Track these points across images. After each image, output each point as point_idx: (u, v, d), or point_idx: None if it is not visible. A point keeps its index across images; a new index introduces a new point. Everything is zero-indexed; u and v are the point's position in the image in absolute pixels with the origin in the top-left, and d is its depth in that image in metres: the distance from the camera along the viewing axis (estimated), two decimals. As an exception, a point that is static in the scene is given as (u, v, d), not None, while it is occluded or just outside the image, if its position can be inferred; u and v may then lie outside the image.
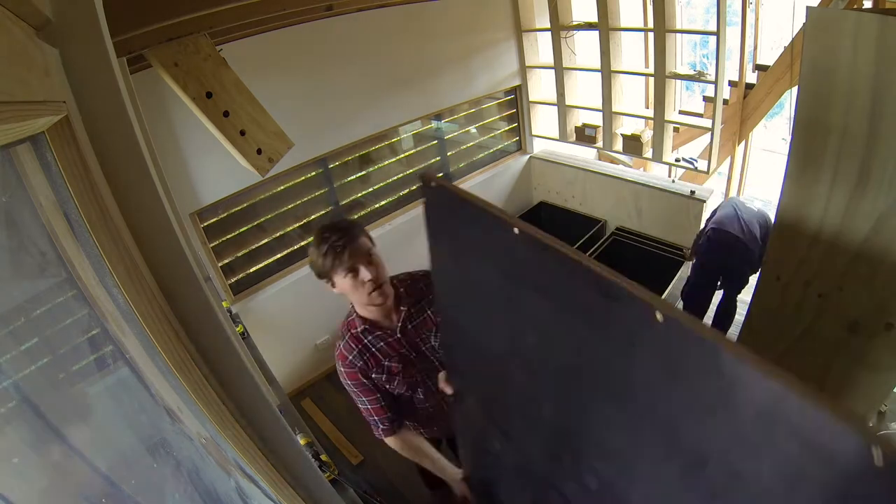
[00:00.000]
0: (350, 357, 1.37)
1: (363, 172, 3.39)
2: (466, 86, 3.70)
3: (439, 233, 0.78)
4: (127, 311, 0.70)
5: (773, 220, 2.21)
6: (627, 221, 3.93)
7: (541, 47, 3.95)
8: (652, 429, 0.49)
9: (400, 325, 1.38)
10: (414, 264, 4.07)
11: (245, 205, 2.88)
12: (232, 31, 2.07)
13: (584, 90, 4.01)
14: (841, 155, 1.08)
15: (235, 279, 2.99)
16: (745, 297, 3.59)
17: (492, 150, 4.24)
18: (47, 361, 0.81)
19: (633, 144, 3.69)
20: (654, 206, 3.70)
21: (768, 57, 3.88)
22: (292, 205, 3.08)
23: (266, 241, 3.03)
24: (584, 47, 3.85)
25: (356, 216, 3.43)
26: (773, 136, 6.38)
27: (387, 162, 3.51)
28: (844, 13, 0.97)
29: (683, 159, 3.69)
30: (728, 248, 2.57)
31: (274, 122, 1.76)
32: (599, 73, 3.56)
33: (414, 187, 3.74)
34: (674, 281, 3.32)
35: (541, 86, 4.17)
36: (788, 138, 1.60)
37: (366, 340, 1.38)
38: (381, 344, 1.38)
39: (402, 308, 1.40)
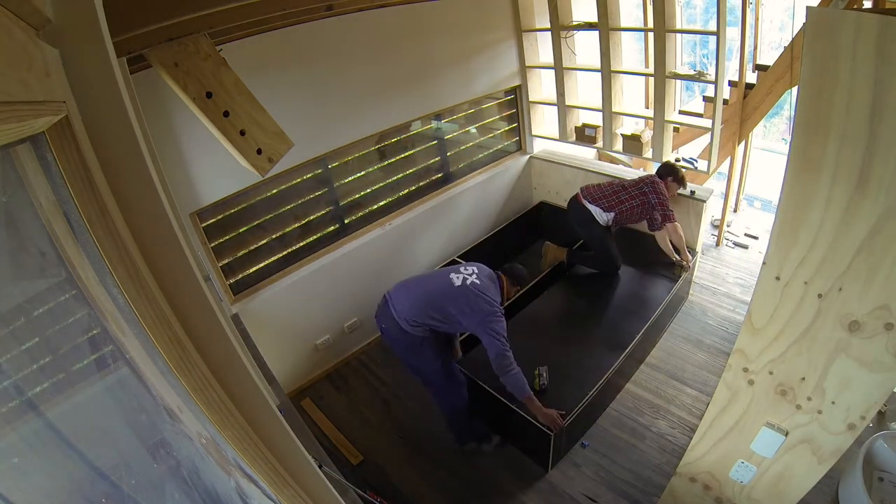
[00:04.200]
0: None
1: (363, 172, 3.39)
2: (466, 86, 3.70)
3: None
4: (127, 311, 0.70)
5: None
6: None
7: (541, 47, 3.95)
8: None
9: None
10: (414, 263, 4.07)
11: (245, 205, 2.88)
12: (232, 31, 2.07)
13: (584, 90, 4.01)
14: (841, 155, 1.08)
15: (235, 279, 2.99)
16: (744, 297, 3.60)
17: (492, 150, 4.24)
18: (47, 361, 0.81)
19: (633, 144, 3.69)
20: (654, 206, 3.69)
21: (768, 57, 3.88)
22: (292, 205, 3.08)
23: (266, 241, 3.03)
24: (584, 47, 3.85)
25: (356, 216, 3.43)
26: (773, 136, 6.38)
27: (386, 162, 3.51)
28: (844, 13, 0.97)
29: (683, 159, 3.68)
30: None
31: (274, 122, 1.76)
32: (599, 73, 3.56)
33: (413, 187, 3.74)
34: (678, 283, 3.32)
35: (541, 86, 4.17)
36: (788, 138, 1.60)
37: None
38: None
39: None
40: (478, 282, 2.41)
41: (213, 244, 2.81)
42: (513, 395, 2.38)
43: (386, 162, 3.51)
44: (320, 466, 1.11)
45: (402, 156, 3.61)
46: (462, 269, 2.48)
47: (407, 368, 2.56)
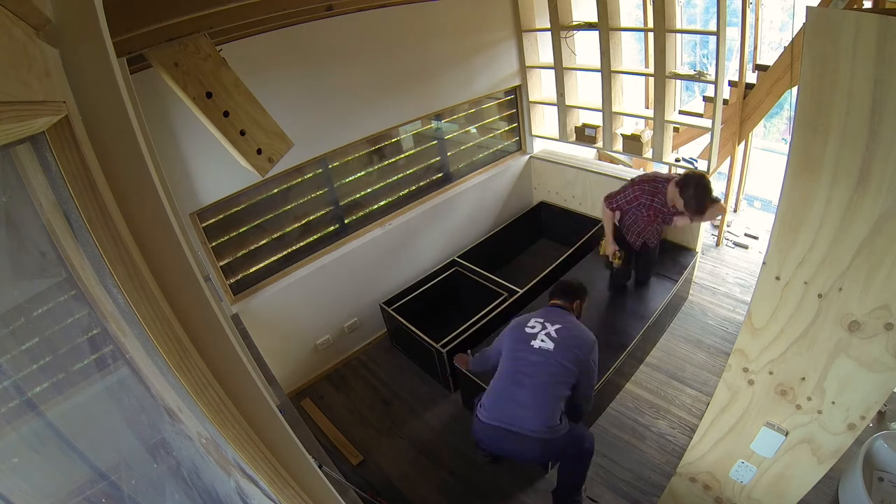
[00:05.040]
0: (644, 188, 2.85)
1: (363, 172, 3.39)
2: (466, 86, 3.70)
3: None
4: (127, 311, 0.70)
5: None
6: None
7: (541, 47, 3.95)
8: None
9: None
10: (414, 263, 4.07)
11: (245, 205, 2.88)
12: (232, 31, 2.07)
13: (584, 90, 4.01)
14: (841, 155, 1.08)
15: (235, 279, 2.99)
16: (744, 297, 3.60)
17: (492, 150, 4.25)
18: (47, 361, 0.81)
19: (633, 144, 3.69)
20: (654, 206, 3.69)
21: (768, 57, 3.88)
22: (292, 205, 3.08)
23: (266, 241, 3.03)
24: (584, 47, 3.85)
25: (356, 216, 3.44)
26: (773, 136, 6.38)
27: (386, 162, 3.51)
28: (844, 13, 0.97)
29: (683, 159, 3.68)
30: None
31: (274, 122, 1.76)
32: (599, 73, 3.56)
33: (413, 187, 3.74)
34: (681, 279, 3.32)
35: (541, 86, 4.17)
36: (788, 138, 1.60)
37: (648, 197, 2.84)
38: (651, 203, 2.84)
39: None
40: (559, 325, 2.11)
41: (213, 244, 2.81)
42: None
43: (386, 162, 3.51)
44: (320, 466, 1.11)
45: (402, 156, 3.61)
46: (530, 329, 2.13)
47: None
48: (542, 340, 2.08)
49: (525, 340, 2.11)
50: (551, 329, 2.11)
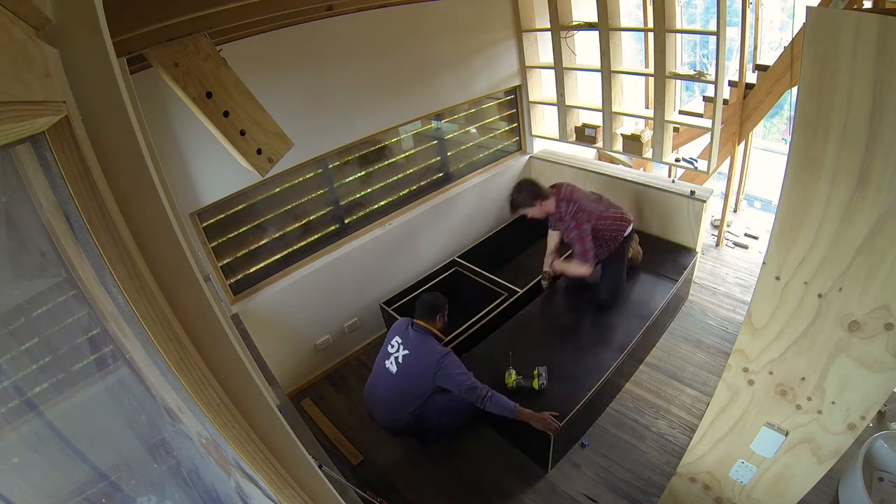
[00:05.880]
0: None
1: (363, 172, 3.39)
2: (466, 86, 3.70)
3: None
4: (127, 311, 0.71)
5: None
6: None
7: (541, 47, 3.95)
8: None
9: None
10: (414, 263, 4.06)
11: (245, 205, 2.88)
12: (232, 31, 2.07)
13: (584, 90, 4.01)
14: (841, 155, 1.08)
15: (235, 279, 2.99)
16: (744, 297, 3.60)
17: (492, 150, 4.24)
18: (47, 361, 0.81)
19: (633, 144, 3.69)
20: (654, 206, 3.70)
21: (768, 57, 3.88)
22: (292, 205, 3.08)
23: (266, 241, 3.04)
24: (584, 47, 3.85)
25: (356, 216, 3.44)
26: (773, 136, 6.38)
27: (386, 162, 3.51)
28: (844, 13, 0.97)
29: (683, 159, 3.68)
30: None
31: (274, 122, 1.76)
32: (599, 73, 3.56)
33: (413, 187, 3.74)
34: (679, 281, 3.32)
35: (541, 86, 4.17)
36: (788, 138, 1.60)
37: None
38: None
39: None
40: (408, 351, 2.40)
41: (213, 244, 2.81)
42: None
43: (386, 162, 3.51)
44: (320, 466, 1.11)
45: (402, 156, 3.61)
46: (390, 348, 2.48)
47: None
48: (391, 364, 2.44)
49: (384, 356, 2.50)
50: (401, 354, 2.41)
